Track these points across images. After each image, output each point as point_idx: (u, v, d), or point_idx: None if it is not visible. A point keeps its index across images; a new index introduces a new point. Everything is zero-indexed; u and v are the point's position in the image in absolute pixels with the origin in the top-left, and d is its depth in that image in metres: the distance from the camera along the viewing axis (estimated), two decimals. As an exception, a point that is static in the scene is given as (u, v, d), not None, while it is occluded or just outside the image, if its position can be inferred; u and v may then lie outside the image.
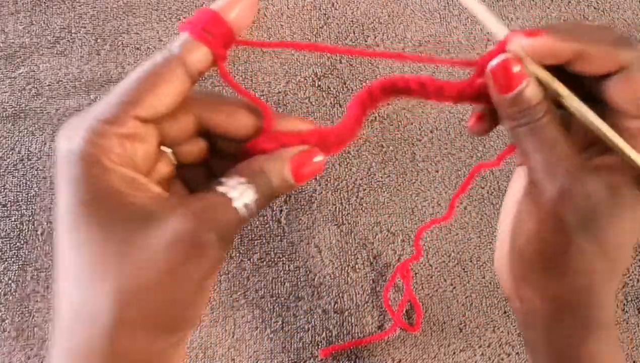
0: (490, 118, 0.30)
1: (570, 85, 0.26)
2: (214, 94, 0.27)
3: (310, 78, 0.58)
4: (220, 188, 0.24)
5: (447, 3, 0.62)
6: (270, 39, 0.60)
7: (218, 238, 0.23)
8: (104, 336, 0.22)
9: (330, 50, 0.29)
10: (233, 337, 0.49)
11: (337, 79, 0.58)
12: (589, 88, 0.27)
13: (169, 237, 0.22)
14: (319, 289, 0.51)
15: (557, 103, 0.27)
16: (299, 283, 0.51)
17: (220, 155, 0.28)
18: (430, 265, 0.51)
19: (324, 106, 0.57)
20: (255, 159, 0.26)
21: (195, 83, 0.25)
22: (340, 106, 0.57)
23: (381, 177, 0.54)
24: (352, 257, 0.52)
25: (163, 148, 0.27)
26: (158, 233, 0.22)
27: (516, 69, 0.25)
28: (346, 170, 0.54)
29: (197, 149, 0.28)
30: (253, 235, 0.52)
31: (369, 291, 0.51)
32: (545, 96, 0.26)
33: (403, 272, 0.49)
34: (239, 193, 0.24)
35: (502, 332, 0.50)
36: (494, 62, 0.26)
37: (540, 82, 0.26)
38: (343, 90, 0.58)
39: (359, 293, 0.51)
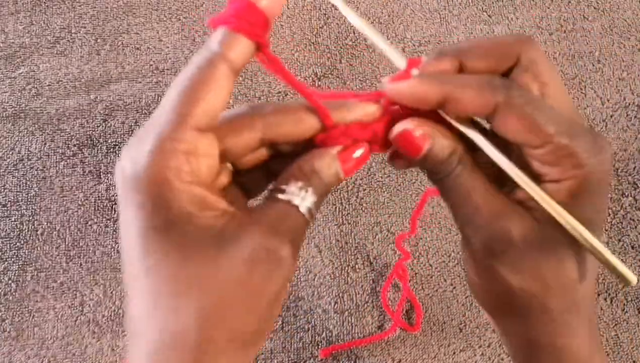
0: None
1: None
2: (275, 104, 0.27)
3: (310, 78, 0.58)
4: (284, 196, 0.24)
5: (447, 3, 0.62)
6: (270, 38, 0.60)
7: (292, 248, 0.23)
8: (192, 355, 0.22)
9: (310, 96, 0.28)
10: (233, 337, 0.49)
11: (337, 79, 0.58)
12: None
13: (247, 256, 0.22)
14: (319, 289, 0.51)
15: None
16: (298, 283, 0.51)
17: (279, 156, 0.28)
18: (430, 265, 0.51)
19: (324, 106, 0.57)
20: (304, 160, 0.26)
21: (239, 74, 0.25)
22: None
23: (381, 177, 0.54)
24: (352, 257, 0.52)
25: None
26: (235, 251, 0.22)
27: (418, 133, 0.25)
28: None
29: (258, 156, 0.28)
30: (253, 235, 0.52)
31: (369, 291, 0.51)
32: (456, 144, 0.26)
33: (399, 272, 0.49)
34: (301, 198, 0.24)
35: (502, 332, 0.50)
36: (394, 133, 0.26)
37: (455, 128, 0.26)
38: (343, 90, 0.58)
39: (359, 293, 0.51)
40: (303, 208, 0.24)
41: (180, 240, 0.22)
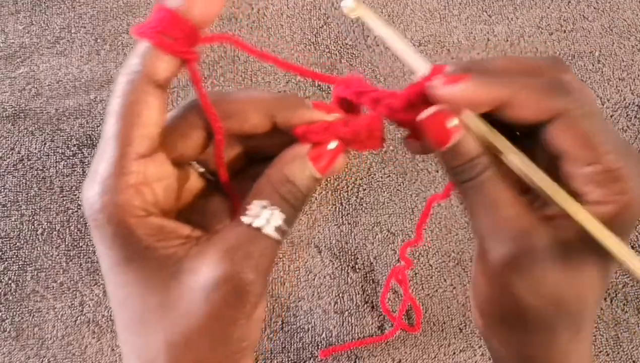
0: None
1: (503, 131, 0.24)
2: (217, 94, 0.25)
3: (311, 78, 0.58)
4: (245, 219, 0.23)
5: (447, 3, 0.62)
6: (270, 38, 0.60)
7: (256, 274, 0.22)
8: None
9: (300, 71, 0.27)
10: (233, 337, 0.49)
11: (337, 79, 0.58)
12: (523, 133, 0.25)
13: (203, 285, 0.22)
14: (319, 289, 0.51)
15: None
16: (299, 283, 0.51)
17: (260, 160, 0.27)
18: (430, 265, 0.51)
19: (324, 106, 0.57)
20: (273, 167, 0.24)
21: (168, 88, 0.24)
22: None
23: (381, 177, 0.54)
24: (352, 257, 0.52)
25: (195, 165, 0.26)
26: (193, 282, 0.22)
27: (452, 123, 0.23)
28: (346, 170, 0.54)
29: (236, 163, 0.27)
30: (253, 235, 0.52)
31: (369, 291, 0.51)
32: (486, 147, 0.24)
33: (398, 277, 0.49)
34: (265, 219, 0.23)
35: (502, 332, 0.50)
36: (424, 114, 0.24)
37: (477, 135, 0.24)
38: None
39: (359, 294, 0.51)
40: (269, 230, 0.23)
41: (142, 275, 0.22)
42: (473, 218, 0.25)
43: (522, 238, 0.23)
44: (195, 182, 0.27)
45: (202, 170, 0.27)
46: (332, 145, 0.25)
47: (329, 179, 0.54)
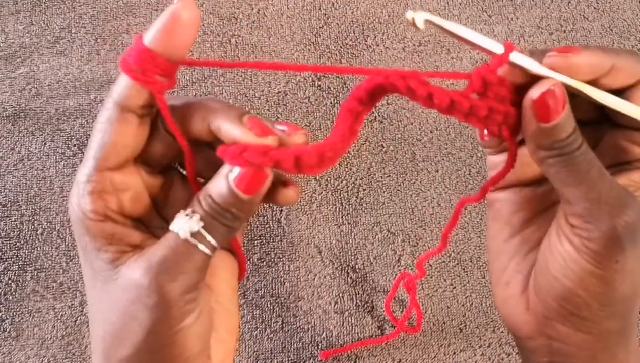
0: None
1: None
2: (176, 102, 0.27)
3: (310, 78, 0.58)
4: (171, 226, 0.25)
5: (447, 3, 0.62)
6: (270, 38, 0.60)
7: (168, 276, 0.24)
8: None
9: (293, 67, 0.29)
10: (233, 337, 0.49)
11: (337, 78, 0.58)
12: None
13: (122, 289, 0.25)
14: (319, 289, 0.51)
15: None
16: (299, 283, 0.51)
17: None
18: (430, 265, 0.51)
19: (323, 106, 0.57)
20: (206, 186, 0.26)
21: (147, 113, 0.26)
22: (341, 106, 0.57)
23: (381, 177, 0.54)
24: (352, 257, 0.52)
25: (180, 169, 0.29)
26: (117, 286, 0.25)
27: (559, 91, 0.24)
28: (346, 170, 0.54)
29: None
30: (253, 235, 0.52)
31: (369, 291, 0.51)
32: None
33: (407, 286, 0.49)
34: (180, 225, 0.25)
35: (502, 332, 0.50)
36: (536, 93, 0.25)
37: (573, 93, 0.25)
38: (343, 90, 0.58)
39: (359, 294, 0.51)
40: (183, 235, 0.25)
41: (91, 272, 0.26)
42: (563, 193, 0.25)
43: (622, 208, 0.24)
44: (181, 187, 0.29)
45: (184, 173, 0.29)
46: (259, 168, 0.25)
47: (329, 179, 0.54)
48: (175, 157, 0.29)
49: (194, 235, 0.25)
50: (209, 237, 0.25)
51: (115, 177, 0.26)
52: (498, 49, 0.25)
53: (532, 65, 0.25)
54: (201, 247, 0.25)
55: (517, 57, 0.25)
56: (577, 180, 0.24)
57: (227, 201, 0.25)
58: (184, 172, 0.29)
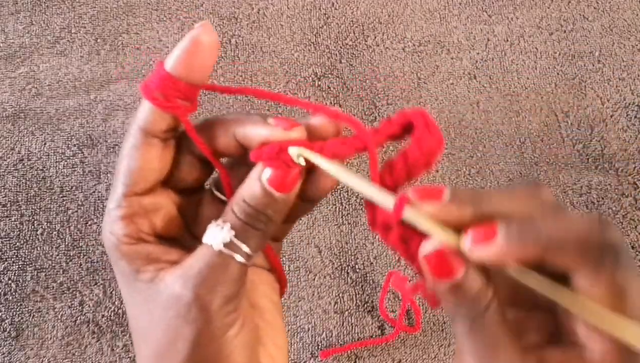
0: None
1: None
2: (200, 124, 0.27)
3: (310, 78, 0.58)
4: (204, 239, 0.25)
5: (447, 3, 0.62)
6: (270, 39, 0.60)
7: (208, 292, 0.24)
8: None
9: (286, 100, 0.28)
10: (233, 337, 0.49)
11: (337, 78, 0.58)
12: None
13: (162, 305, 0.25)
14: (319, 289, 0.51)
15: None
16: (299, 283, 0.51)
17: None
18: (430, 265, 0.51)
19: (324, 106, 0.57)
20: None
21: (171, 136, 0.26)
22: (340, 106, 0.57)
23: (381, 177, 0.54)
24: (352, 257, 0.52)
25: (216, 193, 0.29)
26: (157, 303, 0.25)
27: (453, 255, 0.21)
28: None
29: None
30: (253, 235, 0.52)
31: (369, 291, 0.51)
32: (488, 279, 0.22)
33: (396, 283, 0.49)
34: (213, 236, 0.25)
35: (502, 332, 0.50)
36: (427, 249, 0.21)
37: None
38: (343, 90, 0.58)
39: (359, 294, 0.51)
40: (216, 246, 0.24)
41: (131, 296, 0.26)
42: (465, 359, 0.22)
43: None
44: (210, 205, 0.29)
45: (217, 193, 0.29)
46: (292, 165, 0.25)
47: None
48: (202, 177, 0.29)
49: (227, 245, 0.24)
50: (242, 246, 0.25)
51: (145, 201, 0.26)
52: (386, 201, 0.22)
53: (426, 226, 0.21)
54: (236, 256, 0.24)
55: (411, 215, 0.21)
56: (480, 351, 0.22)
57: (261, 202, 0.25)
58: (217, 193, 0.29)
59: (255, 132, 0.25)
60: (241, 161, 0.27)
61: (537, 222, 0.20)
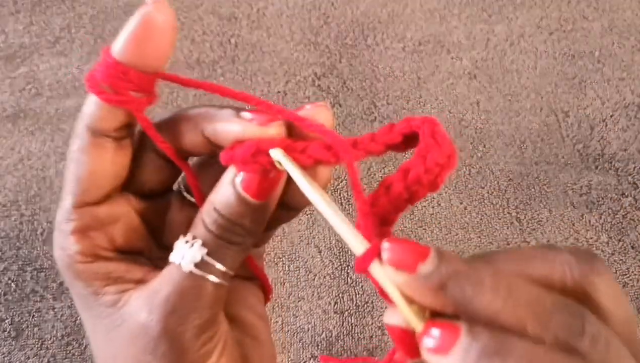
0: None
1: None
2: (162, 119, 0.23)
3: (310, 78, 0.58)
4: (171, 257, 0.22)
5: (447, 3, 0.62)
6: (270, 38, 0.60)
7: (176, 320, 0.21)
8: None
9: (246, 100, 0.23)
10: (233, 337, 0.49)
11: (337, 78, 0.58)
12: None
13: (126, 332, 0.21)
14: (319, 289, 0.51)
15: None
16: (298, 283, 0.51)
17: None
18: (430, 265, 0.51)
19: (323, 106, 0.57)
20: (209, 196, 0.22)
21: (126, 134, 0.23)
22: (340, 106, 0.57)
23: (381, 177, 0.54)
24: (352, 257, 0.52)
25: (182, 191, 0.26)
26: (121, 329, 0.22)
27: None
28: (346, 170, 0.54)
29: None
30: (253, 235, 0.52)
31: (369, 291, 0.51)
32: None
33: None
34: (181, 255, 0.21)
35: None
36: (389, 319, 0.19)
37: None
38: (343, 89, 0.58)
39: (359, 294, 0.51)
40: (186, 267, 0.21)
41: (91, 321, 0.23)
42: None
43: None
44: (180, 210, 0.25)
45: (187, 196, 0.25)
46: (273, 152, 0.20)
47: (329, 179, 0.54)
48: (170, 178, 0.25)
49: (199, 265, 0.21)
50: (217, 264, 0.21)
51: (100, 211, 0.23)
52: (356, 247, 0.18)
53: (391, 293, 0.18)
54: (210, 277, 0.21)
55: (378, 274, 0.18)
56: None
57: (236, 211, 0.21)
58: (187, 195, 0.25)
59: (226, 129, 0.21)
60: (214, 159, 0.23)
61: (513, 344, 0.16)
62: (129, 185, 0.24)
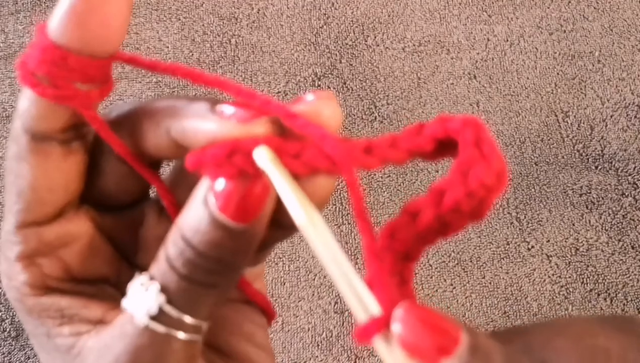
0: None
1: None
2: (113, 112, 0.18)
3: (310, 78, 0.58)
4: (124, 301, 0.16)
5: (447, 3, 0.62)
6: (270, 38, 0.60)
7: None
8: None
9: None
10: (233, 337, 0.49)
11: (337, 78, 0.58)
12: None
13: None
14: (319, 289, 0.51)
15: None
16: (299, 283, 0.51)
17: None
18: (430, 265, 0.51)
19: (324, 106, 0.57)
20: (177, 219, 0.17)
21: (74, 135, 0.18)
22: (340, 106, 0.57)
23: (381, 177, 0.54)
24: (352, 257, 0.52)
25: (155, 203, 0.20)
26: None
27: None
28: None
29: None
30: (253, 235, 0.52)
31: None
32: None
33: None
34: (134, 302, 0.16)
35: (502, 332, 0.50)
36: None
37: None
38: (343, 90, 0.58)
39: (359, 293, 0.51)
40: (140, 319, 0.16)
41: (44, 354, 0.18)
42: None
43: None
44: (157, 222, 0.20)
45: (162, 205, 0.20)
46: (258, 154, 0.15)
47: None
48: (141, 187, 0.19)
49: (159, 317, 0.16)
50: (184, 317, 0.16)
51: (49, 232, 0.18)
52: (358, 312, 0.14)
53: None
54: (177, 333, 0.16)
55: (381, 350, 0.14)
56: None
57: (211, 239, 0.15)
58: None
59: (198, 128, 0.16)
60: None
61: None
62: (88, 197, 0.19)
